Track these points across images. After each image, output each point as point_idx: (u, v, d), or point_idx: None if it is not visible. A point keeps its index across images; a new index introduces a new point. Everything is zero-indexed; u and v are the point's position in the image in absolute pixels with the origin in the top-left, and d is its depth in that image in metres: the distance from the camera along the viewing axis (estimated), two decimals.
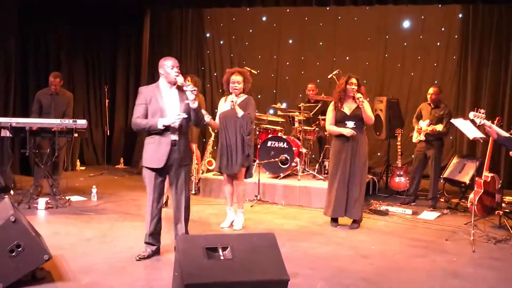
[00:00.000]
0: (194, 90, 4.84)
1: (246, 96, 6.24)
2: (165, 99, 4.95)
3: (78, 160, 10.59)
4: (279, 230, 6.21)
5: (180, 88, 4.98)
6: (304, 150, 8.48)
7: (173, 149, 4.94)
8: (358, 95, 6.23)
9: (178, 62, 5.00)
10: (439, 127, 7.48)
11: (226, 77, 6.25)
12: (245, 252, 3.96)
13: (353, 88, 6.30)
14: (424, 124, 7.74)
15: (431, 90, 7.81)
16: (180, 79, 4.92)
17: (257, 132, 8.73)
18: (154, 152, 4.94)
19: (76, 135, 7.09)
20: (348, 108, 6.38)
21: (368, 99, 6.52)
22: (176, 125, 4.87)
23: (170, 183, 5.11)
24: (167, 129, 4.88)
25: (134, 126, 4.99)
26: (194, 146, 8.56)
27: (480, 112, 5.40)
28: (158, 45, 11.36)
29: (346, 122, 6.34)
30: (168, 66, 4.96)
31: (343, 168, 6.34)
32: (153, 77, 11.00)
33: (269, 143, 8.26)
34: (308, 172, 8.56)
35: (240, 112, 6.04)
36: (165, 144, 4.92)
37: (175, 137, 4.93)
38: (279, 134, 8.50)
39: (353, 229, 6.43)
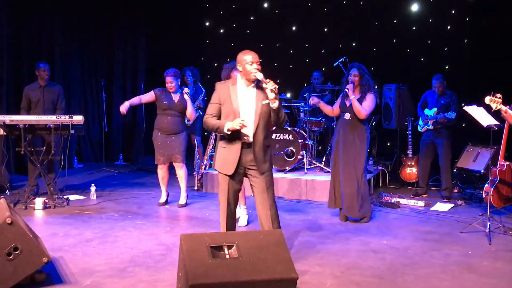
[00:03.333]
0: (275, 88, 4.44)
1: None
2: (240, 99, 4.57)
3: (76, 157, 10.43)
4: (285, 225, 6.08)
5: (259, 86, 4.61)
6: (310, 142, 8.28)
7: (244, 152, 4.59)
8: (348, 86, 6.18)
9: (258, 57, 4.56)
10: (452, 115, 7.27)
11: (226, 74, 5.96)
12: (252, 250, 3.89)
13: (352, 79, 6.20)
14: (430, 112, 7.57)
15: (436, 80, 7.66)
16: (259, 75, 4.51)
17: None
18: (224, 158, 4.64)
19: (72, 131, 6.92)
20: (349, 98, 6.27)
21: (376, 87, 6.32)
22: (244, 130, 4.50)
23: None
24: (237, 133, 4.52)
25: (204, 125, 4.70)
26: (195, 140, 8.41)
27: (496, 97, 5.22)
28: (155, 36, 11.15)
29: (344, 113, 6.29)
30: (247, 62, 4.51)
31: (335, 160, 6.35)
32: (151, 70, 10.87)
33: (273, 136, 8.09)
34: (315, 165, 8.36)
35: None
36: (235, 150, 4.58)
37: (246, 141, 4.58)
38: (284, 126, 8.28)
39: (363, 223, 6.29)
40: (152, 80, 10.52)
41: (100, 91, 10.50)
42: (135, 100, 7.14)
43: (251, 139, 4.56)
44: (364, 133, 6.27)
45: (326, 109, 6.70)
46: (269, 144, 4.72)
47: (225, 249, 3.86)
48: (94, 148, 11.05)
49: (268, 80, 4.46)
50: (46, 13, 9.92)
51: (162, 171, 7.01)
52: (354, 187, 6.19)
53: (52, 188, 7.14)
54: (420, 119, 7.83)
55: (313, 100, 6.69)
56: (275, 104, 4.48)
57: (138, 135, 10.97)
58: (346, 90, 6.17)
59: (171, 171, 7.13)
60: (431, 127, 7.63)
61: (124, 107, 6.84)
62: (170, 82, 6.79)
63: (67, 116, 6.92)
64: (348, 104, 6.24)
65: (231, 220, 4.73)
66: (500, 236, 5.74)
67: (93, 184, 7.58)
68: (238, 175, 4.65)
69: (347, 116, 6.24)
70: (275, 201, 4.73)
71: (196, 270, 3.63)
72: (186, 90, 6.86)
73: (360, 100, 6.14)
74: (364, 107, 6.12)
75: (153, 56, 11.18)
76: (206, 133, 9.93)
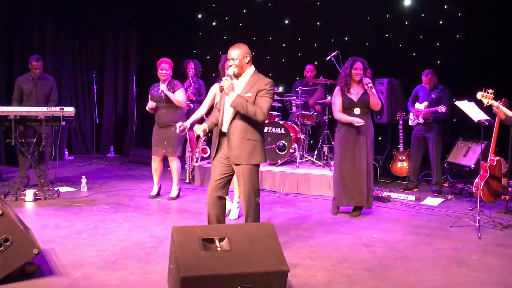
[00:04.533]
0: (221, 87, 4.55)
1: None
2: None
3: (66, 149, 10.37)
4: (277, 219, 6.13)
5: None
6: (302, 136, 8.27)
7: (222, 142, 4.75)
8: (367, 80, 6.06)
9: (231, 54, 4.58)
10: (443, 109, 7.30)
11: (221, 64, 5.98)
12: (243, 243, 3.87)
13: (358, 73, 6.13)
14: (421, 106, 7.59)
15: (425, 77, 7.69)
16: (230, 71, 4.57)
17: None
18: (212, 146, 4.88)
19: (63, 123, 6.86)
20: (355, 94, 6.21)
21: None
22: None
23: None
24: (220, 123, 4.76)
25: None
26: (187, 133, 8.38)
27: (488, 92, 5.23)
28: (147, 29, 11.07)
29: (353, 108, 6.18)
30: (227, 59, 4.65)
31: (352, 156, 6.20)
32: (143, 62, 10.80)
33: (265, 129, 8.05)
34: (306, 159, 8.36)
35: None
36: (215, 139, 4.84)
37: (223, 131, 4.71)
38: (276, 120, 8.28)
39: (354, 217, 6.30)
40: (144, 72, 10.48)
41: (92, 82, 10.44)
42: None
43: (226, 129, 4.62)
44: (372, 126, 6.29)
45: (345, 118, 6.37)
46: (255, 139, 4.60)
47: (217, 241, 3.84)
48: (85, 140, 11.01)
49: (226, 77, 4.53)
50: (38, 3, 9.82)
51: (155, 163, 7.00)
52: (368, 179, 6.20)
53: (42, 180, 7.08)
54: (411, 113, 7.85)
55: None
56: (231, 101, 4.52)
57: (130, 128, 10.93)
58: (367, 84, 6.01)
59: (166, 163, 7.11)
60: (421, 121, 7.65)
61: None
62: (165, 70, 6.79)
63: (58, 108, 6.87)
64: (356, 99, 6.16)
65: (213, 208, 4.69)
66: (490, 231, 5.77)
67: (84, 176, 7.54)
68: (221, 163, 4.68)
69: (358, 111, 6.14)
70: (253, 196, 4.64)
71: (187, 263, 3.61)
72: (162, 87, 6.79)
73: (366, 94, 6.12)
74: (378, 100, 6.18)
75: (145, 48, 11.12)
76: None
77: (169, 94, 6.76)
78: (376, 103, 6.14)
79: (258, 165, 4.68)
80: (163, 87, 6.75)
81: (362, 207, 6.36)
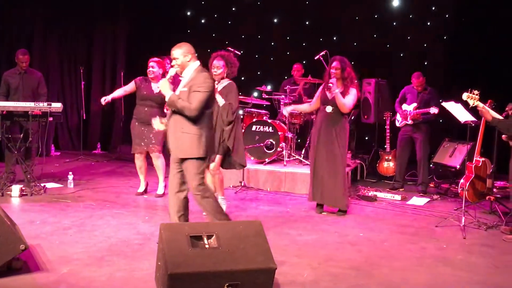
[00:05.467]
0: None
1: (229, 82, 5.97)
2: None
3: (53, 145, 10.30)
4: (264, 217, 6.14)
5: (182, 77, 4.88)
6: (290, 135, 8.30)
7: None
8: (331, 80, 6.13)
9: (172, 54, 4.82)
10: (435, 110, 7.36)
11: (210, 61, 5.99)
12: (231, 240, 3.89)
13: (334, 72, 6.16)
14: (410, 108, 7.62)
15: (415, 79, 7.73)
16: (171, 71, 4.82)
17: (241, 117, 8.50)
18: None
19: (51, 119, 6.82)
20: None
21: (356, 81, 6.33)
22: None
23: None
24: None
25: None
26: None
27: (473, 93, 5.28)
28: (135, 25, 11.03)
29: (326, 106, 6.25)
30: None
31: (317, 153, 6.29)
32: (131, 58, 10.75)
33: (253, 128, 8.09)
34: (294, 157, 8.39)
35: (221, 101, 5.80)
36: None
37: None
38: (264, 118, 8.30)
39: (340, 216, 6.32)
40: (132, 68, 10.42)
41: (79, 78, 10.37)
42: (119, 92, 7.03)
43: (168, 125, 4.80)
44: (345, 126, 6.28)
45: (302, 108, 6.89)
46: (192, 132, 4.64)
47: (205, 239, 3.85)
48: (71, 136, 10.93)
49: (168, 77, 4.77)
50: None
51: (139, 161, 6.96)
52: (338, 180, 6.21)
53: (29, 176, 7.02)
54: (398, 114, 7.89)
55: (286, 111, 6.86)
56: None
57: (117, 124, 10.87)
58: (330, 84, 6.10)
59: (149, 160, 7.08)
60: (410, 122, 7.69)
61: (104, 101, 6.76)
62: (152, 67, 6.73)
63: (45, 103, 6.82)
64: (330, 97, 6.20)
65: (173, 202, 4.82)
66: (474, 231, 5.82)
67: (70, 172, 7.49)
68: (172, 159, 4.82)
69: (329, 109, 6.20)
70: (194, 190, 4.73)
71: (175, 259, 3.62)
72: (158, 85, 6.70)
73: (343, 94, 6.12)
74: (347, 101, 6.12)
75: (133, 44, 11.06)
76: None
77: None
78: (341, 103, 6.11)
79: (199, 159, 4.69)
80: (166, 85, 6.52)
81: (323, 205, 6.44)
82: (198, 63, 4.78)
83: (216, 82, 5.85)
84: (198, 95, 4.57)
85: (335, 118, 6.19)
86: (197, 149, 4.65)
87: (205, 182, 4.84)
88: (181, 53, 4.71)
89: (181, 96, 4.62)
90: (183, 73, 4.76)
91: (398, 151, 7.97)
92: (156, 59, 6.81)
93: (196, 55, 4.82)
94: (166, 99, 4.68)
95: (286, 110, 6.88)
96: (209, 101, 4.69)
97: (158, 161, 6.91)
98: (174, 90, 4.74)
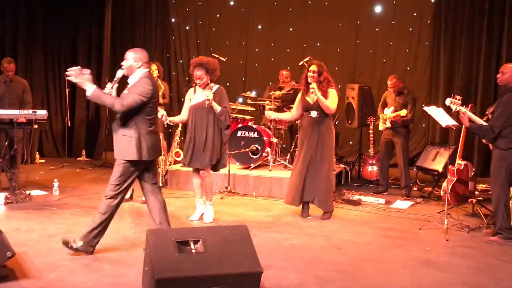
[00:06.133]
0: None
1: (217, 86, 6.02)
2: None
3: (37, 152, 10.25)
4: (250, 222, 6.13)
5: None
6: (275, 140, 8.35)
7: None
8: (312, 85, 6.16)
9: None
10: (403, 112, 7.46)
11: (191, 69, 6.04)
12: (218, 245, 3.92)
13: (311, 76, 6.20)
14: (389, 112, 7.73)
15: (389, 81, 7.82)
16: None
17: None
18: None
19: (35, 126, 6.81)
20: (311, 97, 6.27)
21: (340, 86, 6.41)
22: None
23: None
24: None
25: None
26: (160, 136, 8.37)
27: (456, 99, 5.38)
28: (120, 30, 11.03)
29: (310, 111, 6.28)
30: None
31: (303, 157, 6.30)
32: (115, 63, 10.73)
33: (239, 133, 8.12)
34: (279, 162, 8.44)
35: (218, 108, 5.86)
36: None
37: None
38: (249, 124, 8.34)
39: (325, 220, 6.36)
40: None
41: (63, 85, 10.32)
42: None
43: None
44: (331, 129, 6.34)
45: (284, 117, 6.98)
46: (129, 135, 4.73)
47: (191, 243, 3.87)
48: (56, 144, 10.86)
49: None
50: (9, 4, 9.69)
51: None
52: (326, 183, 6.27)
53: (14, 183, 6.98)
54: (380, 118, 7.97)
55: (268, 115, 6.92)
56: None
57: (102, 131, 10.83)
58: (312, 89, 6.14)
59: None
60: (389, 125, 7.77)
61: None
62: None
63: (30, 111, 6.80)
64: (312, 102, 6.25)
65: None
66: (457, 233, 5.88)
67: (56, 180, 7.46)
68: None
69: (314, 114, 6.24)
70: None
71: (162, 264, 3.64)
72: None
73: (323, 97, 6.17)
74: (330, 103, 6.18)
75: (118, 51, 11.06)
76: (170, 130, 9.90)
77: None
78: (325, 106, 6.16)
79: (131, 161, 4.80)
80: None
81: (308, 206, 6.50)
82: (146, 70, 4.78)
83: (203, 90, 5.94)
84: (130, 96, 4.63)
85: (321, 121, 6.24)
86: (130, 152, 4.77)
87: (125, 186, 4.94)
88: (133, 57, 4.72)
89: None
90: (129, 78, 4.79)
91: (380, 155, 8.02)
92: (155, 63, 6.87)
93: (148, 63, 4.83)
94: (88, 93, 4.71)
95: (268, 114, 6.93)
96: (145, 106, 4.70)
97: None
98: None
